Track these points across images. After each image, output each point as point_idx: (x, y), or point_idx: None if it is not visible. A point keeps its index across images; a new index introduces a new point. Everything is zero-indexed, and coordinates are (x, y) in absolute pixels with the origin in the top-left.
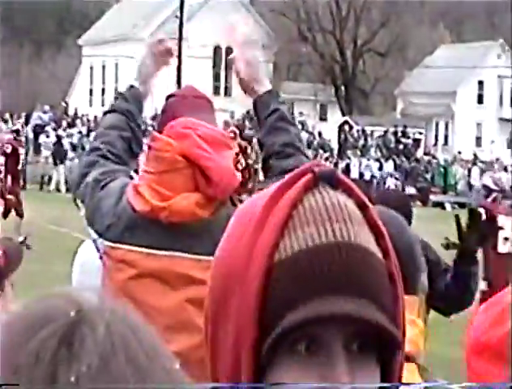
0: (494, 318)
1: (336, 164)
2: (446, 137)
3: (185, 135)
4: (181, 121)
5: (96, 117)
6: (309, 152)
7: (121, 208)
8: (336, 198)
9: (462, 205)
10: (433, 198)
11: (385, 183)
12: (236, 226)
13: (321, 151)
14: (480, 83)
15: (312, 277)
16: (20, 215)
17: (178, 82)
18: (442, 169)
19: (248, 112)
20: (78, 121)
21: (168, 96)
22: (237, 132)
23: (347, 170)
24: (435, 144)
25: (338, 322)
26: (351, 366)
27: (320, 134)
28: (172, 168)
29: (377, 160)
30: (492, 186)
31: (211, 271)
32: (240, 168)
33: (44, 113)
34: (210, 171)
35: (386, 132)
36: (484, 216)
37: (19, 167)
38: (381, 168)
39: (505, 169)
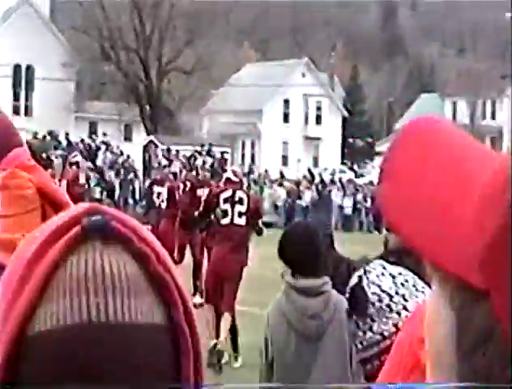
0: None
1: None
2: (253, 155)
3: (33, 168)
4: (19, 152)
5: None
6: (112, 173)
7: None
8: (102, 260)
9: (268, 225)
10: None
11: None
12: (5, 278)
13: (122, 172)
14: (286, 101)
15: (58, 362)
16: None
17: None
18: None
19: (50, 133)
20: None
21: None
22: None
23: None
24: (242, 163)
25: None
26: None
27: (122, 153)
28: (34, 206)
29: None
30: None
31: None
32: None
33: None
34: (65, 206)
35: (192, 151)
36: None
37: None
38: None
39: (317, 189)
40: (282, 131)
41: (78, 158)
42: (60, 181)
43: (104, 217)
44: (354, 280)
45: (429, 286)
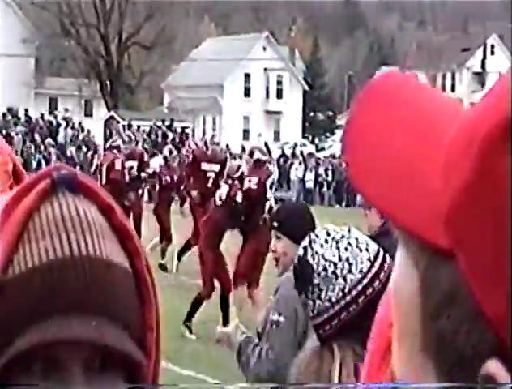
0: None
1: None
2: (214, 130)
3: (4, 144)
4: None
5: None
6: (73, 149)
7: None
8: (75, 205)
9: None
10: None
11: None
12: None
13: (84, 148)
14: (247, 75)
15: (45, 296)
16: None
17: None
18: None
19: (10, 109)
20: None
21: None
22: None
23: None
24: (203, 138)
25: (73, 344)
26: (89, 386)
27: (83, 129)
28: (11, 182)
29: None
30: None
31: None
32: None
33: None
34: None
35: (152, 126)
36: None
37: None
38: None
39: (278, 163)
40: (243, 106)
41: (119, 142)
42: (101, 165)
43: (72, 173)
44: (300, 252)
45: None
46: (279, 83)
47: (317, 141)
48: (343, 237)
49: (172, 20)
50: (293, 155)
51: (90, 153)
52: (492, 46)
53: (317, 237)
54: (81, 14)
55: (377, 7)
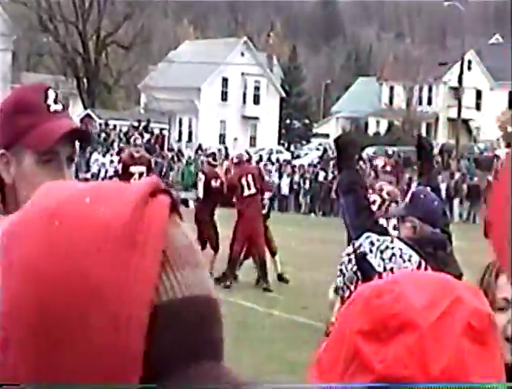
0: None
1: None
2: (190, 133)
3: None
4: None
5: None
6: None
7: None
8: (186, 233)
9: None
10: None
11: None
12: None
13: None
14: (224, 80)
15: (194, 332)
16: None
17: None
18: (187, 166)
19: None
20: None
21: None
22: None
23: (87, 166)
24: (179, 140)
25: None
26: None
27: None
28: None
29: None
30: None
31: None
32: None
33: None
34: None
35: (129, 127)
36: None
37: None
38: None
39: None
40: (220, 110)
41: (215, 150)
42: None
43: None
44: (344, 260)
45: (439, 269)
46: (257, 88)
47: (292, 148)
48: (387, 247)
49: (150, 21)
50: (269, 161)
51: None
52: (470, 62)
53: (361, 245)
54: (60, 11)
55: (355, 16)
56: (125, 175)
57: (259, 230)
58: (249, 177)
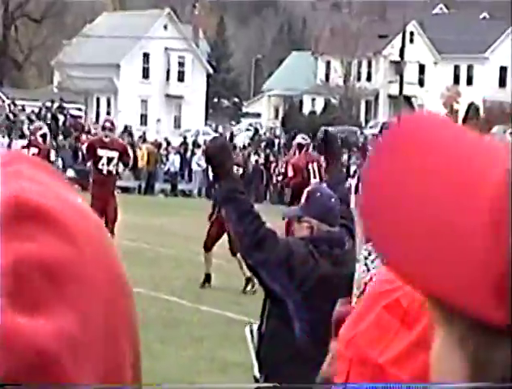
0: None
1: None
2: (109, 114)
3: None
4: None
5: None
6: None
7: None
8: None
9: (126, 190)
10: None
11: None
12: None
13: None
14: (146, 55)
15: None
16: None
17: None
18: None
19: None
20: None
21: None
22: None
23: None
24: (96, 122)
25: None
26: None
27: None
28: None
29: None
30: None
31: None
32: None
33: None
34: None
35: (41, 107)
36: None
37: None
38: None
39: (179, 152)
40: (141, 88)
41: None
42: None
43: None
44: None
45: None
46: (181, 64)
47: (221, 129)
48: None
49: None
50: (195, 143)
51: None
52: (412, 34)
53: (369, 254)
54: None
55: None
56: (90, 156)
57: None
58: None
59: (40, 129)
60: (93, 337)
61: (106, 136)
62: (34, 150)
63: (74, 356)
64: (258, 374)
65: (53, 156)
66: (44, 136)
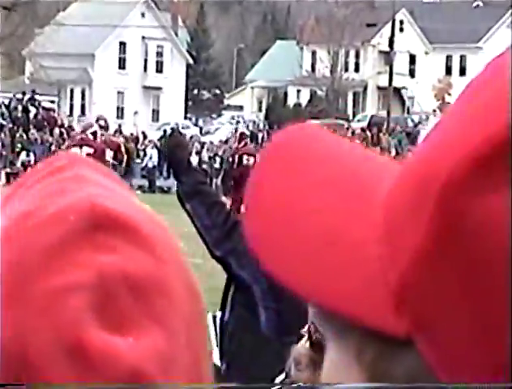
0: None
1: None
2: (83, 106)
3: None
4: None
5: None
6: None
7: None
8: None
9: None
10: None
11: None
12: None
13: None
14: (122, 44)
15: None
16: None
17: None
18: None
19: None
20: None
21: None
22: None
23: None
24: (70, 115)
25: None
26: None
27: None
28: None
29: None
30: None
31: None
32: None
33: None
34: None
35: (11, 99)
36: None
37: None
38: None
39: (156, 147)
40: (117, 79)
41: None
42: None
43: None
44: None
45: None
46: (159, 54)
47: (201, 123)
48: None
49: None
50: None
51: None
52: (402, 22)
53: None
54: None
55: None
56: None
57: None
58: None
59: (91, 126)
60: (179, 352)
61: (102, 135)
62: (88, 149)
63: (165, 375)
64: (218, 362)
65: (108, 156)
66: (94, 134)
